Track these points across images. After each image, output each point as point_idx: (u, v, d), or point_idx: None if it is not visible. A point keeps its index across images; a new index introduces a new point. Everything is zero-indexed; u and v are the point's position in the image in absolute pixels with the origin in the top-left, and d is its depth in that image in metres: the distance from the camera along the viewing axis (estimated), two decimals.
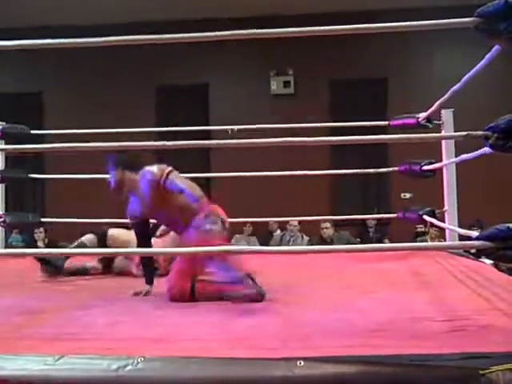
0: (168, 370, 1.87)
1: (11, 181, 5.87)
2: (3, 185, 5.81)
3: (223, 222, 3.53)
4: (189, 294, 3.26)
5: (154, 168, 3.57)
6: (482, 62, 3.11)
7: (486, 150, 2.69)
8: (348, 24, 2.75)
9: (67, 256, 4.39)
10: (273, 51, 9.13)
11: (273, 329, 2.46)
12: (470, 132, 2.58)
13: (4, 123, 5.67)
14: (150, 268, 3.61)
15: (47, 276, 4.24)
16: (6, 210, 5.86)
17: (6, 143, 5.69)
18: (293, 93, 10.17)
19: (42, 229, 9.13)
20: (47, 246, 9.01)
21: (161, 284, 3.59)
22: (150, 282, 3.53)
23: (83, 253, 4.11)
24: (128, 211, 3.68)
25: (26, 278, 4.22)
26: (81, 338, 2.35)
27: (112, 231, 4.54)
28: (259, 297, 3.18)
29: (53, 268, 4.23)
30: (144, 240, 3.64)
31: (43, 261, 4.23)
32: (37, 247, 8.80)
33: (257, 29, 2.84)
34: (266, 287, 3.56)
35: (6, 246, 6.63)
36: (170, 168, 3.59)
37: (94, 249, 4.25)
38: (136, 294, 3.45)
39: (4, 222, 5.69)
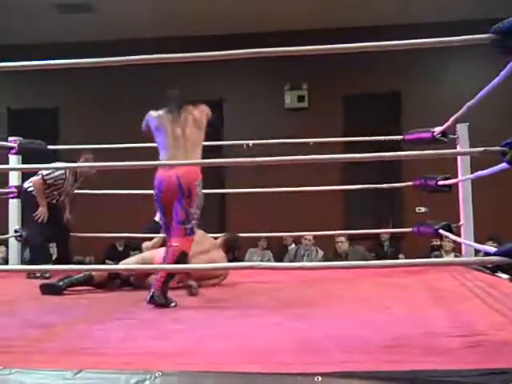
0: None
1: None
2: (19, 200, 5.86)
3: None
4: None
5: None
6: (498, 78, 3.11)
7: (503, 165, 2.69)
8: (362, 40, 2.77)
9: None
10: (287, 65, 9.15)
11: (289, 343, 2.45)
12: (486, 148, 2.59)
13: (21, 138, 5.73)
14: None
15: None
16: (23, 224, 5.91)
17: (23, 158, 5.76)
18: (307, 107, 10.20)
19: (55, 244, 9.16)
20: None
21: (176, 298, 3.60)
22: None
23: (87, 269, 4.17)
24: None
25: (40, 293, 4.24)
26: (97, 353, 2.36)
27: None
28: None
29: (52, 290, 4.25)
30: None
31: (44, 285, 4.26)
32: (52, 262, 8.83)
33: (272, 45, 2.87)
34: (280, 302, 3.57)
35: (22, 260, 6.67)
36: None
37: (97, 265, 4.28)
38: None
39: (20, 236, 5.74)
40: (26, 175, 5.86)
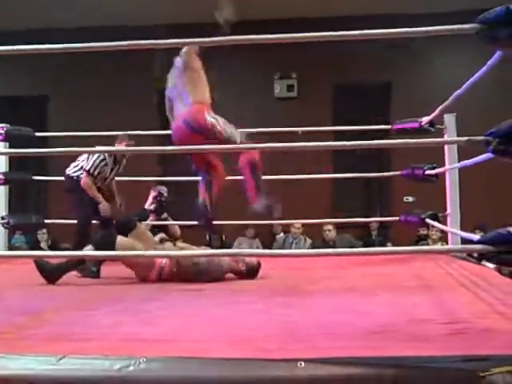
0: (170, 370, 1.88)
1: (15, 183, 5.91)
2: (7, 186, 5.84)
3: None
4: None
5: None
6: (484, 68, 3.13)
7: (488, 155, 2.70)
8: (351, 28, 2.77)
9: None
10: (276, 54, 9.13)
11: (273, 330, 2.47)
12: (471, 137, 2.60)
13: (8, 125, 5.71)
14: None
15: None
16: (9, 211, 5.89)
17: (11, 145, 5.73)
18: (296, 96, 10.19)
19: (45, 230, 9.15)
20: (50, 247, 9.04)
21: (163, 288, 3.61)
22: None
23: (87, 256, 4.13)
24: None
25: (30, 279, 4.23)
26: (83, 338, 2.36)
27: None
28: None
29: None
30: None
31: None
32: (40, 248, 8.82)
33: (261, 33, 2.86)
34: (269, 289, 3.59)
35: (9, 248, 6.66)
36: None
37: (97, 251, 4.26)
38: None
39: (7, 223, 5.73)
40: (17, 162, 5.84)
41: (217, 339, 2.30)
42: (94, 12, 9.54)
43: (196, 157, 3.94)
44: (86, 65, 9.30)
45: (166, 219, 5.93)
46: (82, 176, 5.19)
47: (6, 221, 5.71)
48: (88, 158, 5.19)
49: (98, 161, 5.16)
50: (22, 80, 10.54)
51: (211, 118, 3.76)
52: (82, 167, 5.22)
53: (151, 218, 5.85)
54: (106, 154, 5.21)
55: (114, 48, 2.90)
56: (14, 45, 2.96)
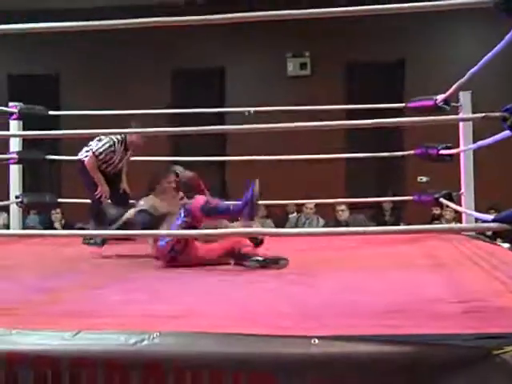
0: (184, 345, 1.89)
1: (28, 162, 5.92)
2: (20, 166, 5.85)
3: None
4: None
5: None
6: (502, 44, 3.07)
7: (505, 134, 2.67)
8: (364, 4, 2.74)
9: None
10: (289, 33, 9.07)
11: (286, 308, 2.47)
12: (487, 114, 2.57)
13: (21, 104, 5.71)
14: None
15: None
16: (24, 190, 5.92)
17: (24, 124, 5.74)
18: (309, 74, 10.12)
19: (58, 210, 9.19)
20: (64, 227, 9.09)
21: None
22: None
23: (110, 234, 4.16)
24: None
25: (43, 259, 4.27)
26: (97, 315, 2.38)
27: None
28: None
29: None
30: None
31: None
32: (54, 228, 8.88)
33: (272, 9, 2.84)
34: (280, 269, 3.60)
35: (24, 227, 6.70)
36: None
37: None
38: None
39: (22, 202, 5.75)
40: (31, 142, 5.82)
41: (230, 316, 2.31)
42: None
43: None
44: (98, 45, 9.30)
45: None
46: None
47: (20, 200, 5.73)
48: (98, 141, 5.18)
49: (106, 145, 5.15)
50: (34, 58, 10.54)
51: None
52: (91, 149, 5.21)
53: None
54: (116, 142, 5.19)
55: (124, 26, 2.90)
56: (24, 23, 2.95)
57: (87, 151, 5.24)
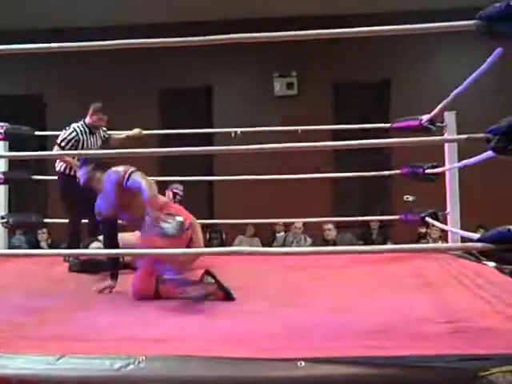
0: (170, 369, 1.88)
1: (14, 182, 5.89)
2: (6, 186, 5.82)
3: (182, 222, 3.50)
4: (153, 293, 3.37)
5: (119, 169, 3.67)
6: (485, 65, 3.11)
7: (490, 154, 2.69)
8: (350, 26, 2.76)
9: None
10: (276, 52, 9.13)
11: (273, 330, 2.46)
12: (470, 135, 2.59)
13: (7, 124, 5.69)
14: (115, 264, 3.72)
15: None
16: (9, 210, 5.88)
17: (10, 144, 5.72)
18: (296, 94, 10.16)
19: (45, 230, 9.13)
20: (50, 247, 9.03)
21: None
22: (114, 278, 3.63)
23: (90, 254, 4.15)
24: (95, 208, 3.74)
25: (29, 279, 4.23)
26: (82, 338, 2.36)
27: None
28: (224, 295, 3.28)
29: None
30: (109, 237, 3.74)
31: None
32: (40, 248, 8.82)
33: (261, 31, 2.85)
34: (268, 289, 3.59)
35: (10, 247, 6.64)
36: (132, 168, 3.66)
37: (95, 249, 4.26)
38: (100, 291, 3.55)
39: (7, 222, 5.71)
40: (17, 162, 5.80)
41: (216, 338, 2.30)
42: (94, 13, 9.52)
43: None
44: (85, 63, 9.29)
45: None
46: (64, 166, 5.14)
47: (5, 220, 5.69)
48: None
49: (67, 133, 5.10)
50: (18, 79, 10.52)
51: None
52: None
53: None
54: (76, 128, 5.14)
55: (109, 47, 2.90)
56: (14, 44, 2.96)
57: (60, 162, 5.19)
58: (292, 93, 10.16)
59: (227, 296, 3.27)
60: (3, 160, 5.75)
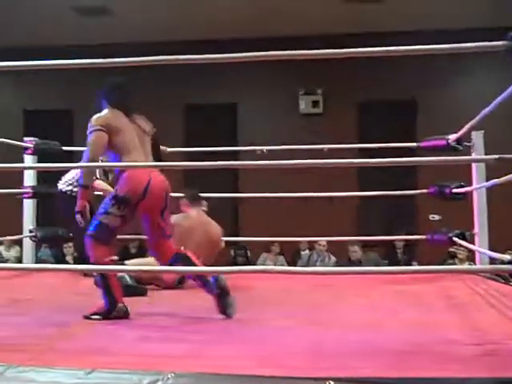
0: None
1: (43, 196, 5.95)
2: (35, 200, 5.90)
3: None
4: None
5: None
6: None
7: None
8: (377, 45, 2.77)
9: None
10: (302, 70, 9.16)
11: (301, 348, 2.45)
12: (501, 156, 2.57)
13: (37, 139, 5.78)
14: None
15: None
16: (37, 224, 5.95)
17: (39, 158, 5.80)
18: (321, 112, 10.17)
19: (70, 243, 9.19)
20: (75, 261, 9.08)
21: (187, 301, 3.61)
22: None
23: (118, 270, 4.15)
24: None
25: (57, 292, 4.27)
26: (110, 352, 2.37)
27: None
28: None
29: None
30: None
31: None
32: (66, 261, 8.89)
33: (286, 49, 2.88)
34: (293, 307, 3.58)
35: (36, 261, 6.71)
36: None
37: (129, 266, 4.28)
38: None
39: (35, 236, 5.78)
40: (45, 176, 5.87)
41: (244, 356, 2.29)
42: (123, 29, 9.65)
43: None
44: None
45: None
46: (75, 190, 5.22)
47: (33, 234, 5.77)
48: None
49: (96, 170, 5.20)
50: (49, 94, 10.68)
51: None
52: (76, 181, 5.22)
53: None
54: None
55: (137, 64, 2.94)
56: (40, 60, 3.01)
57: (70, 184, 5.27)
58: (317, 111, 10.16)
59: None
60: (32, 174, 5.83)
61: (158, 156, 3.78)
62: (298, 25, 9.38)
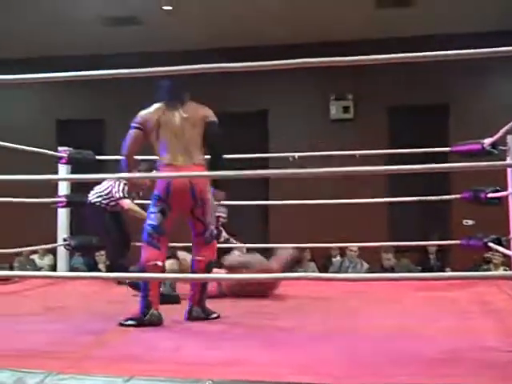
0: None
1: (76, 205, 6.02)
2: (69, 209, 5.97)
3: None
4: None
5: None
6: None
7: None
8: (407, 50, 2.76)
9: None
10: (332, 76, 9.12)
11: (337, 355, 2.44)
12: None
13: (71, 149, 5.86)
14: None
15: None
16: (71, 233, 6.02)
17: (73, 168, 5.88)
18: (352, 118, 10.12)
19: (103, 252, 9.27)
20: (108, 269, 9.16)
21: (222, 308, 3.62)
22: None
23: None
24: None
25: (91, 300, 4.31)
26: (147, 360, 2.39)
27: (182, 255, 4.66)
28: None
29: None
30: None
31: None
32: (98, 269, 8.97)
33: (317, 55, 2.88)
34: (328, 313, 3.56)
35: (70, 269, 6.79)
36: None
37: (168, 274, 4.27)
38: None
39: (69, 245, 5.85)
40: (78, 185, 5.97)
41: (281, 363, 2.29)
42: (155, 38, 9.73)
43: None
44: (143, 89, 9.48)
45: (227, 240, 5.86)
46: (104, 202, 5.33)
47: (67, 242, 5.84)
48: (114, 184, 5.30)
49: (122, 185, 5.29)
50: (81, 104, 10.81)
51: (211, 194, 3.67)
52: (105, 194, 5.32)
53: None
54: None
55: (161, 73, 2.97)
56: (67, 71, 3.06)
57: (99, 196, 5.33)
58: (348, 116, 10.12)
59: None
60: (65, 183, 5.91)
61: (210, 143, 3.74)
62: (330, 30, 9.36)
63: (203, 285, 3.55)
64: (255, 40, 9.57)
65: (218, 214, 6.03)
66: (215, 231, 3.78)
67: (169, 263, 4.54)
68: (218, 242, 5.68)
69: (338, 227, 8.89)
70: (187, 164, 3.50)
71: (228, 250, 5.50)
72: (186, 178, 3.52)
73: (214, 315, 3.51)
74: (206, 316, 3.48)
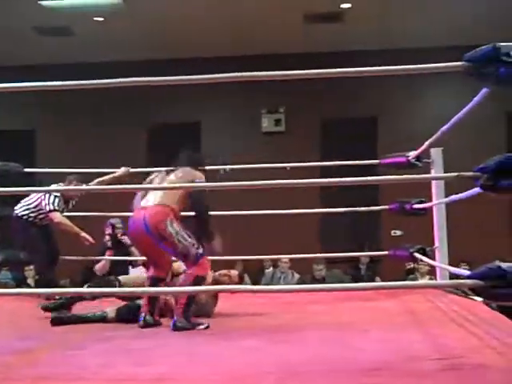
0: None
1: (2, 219, 5.85)
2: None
3: None
4: None
5: None
6: (471, 104, 3.17)
7: (477, 190, 2.73)
8: (338, 64, 2.82)
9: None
10: (264, 89, 9.21)
11: (270, 368, 2.45)
12: (460, 173, 2.63)
13: None
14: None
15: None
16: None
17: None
18: (284, 131, 10.23)
19: (31, 266, 9.02)
20: (37, 284, 8.92)
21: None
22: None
23: (90, 293, 4.10)
24: None
25: (17, 317, 4.18)
26: (73, 379, 2.33)
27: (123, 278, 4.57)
28: None
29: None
30: None
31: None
32: (27, 284, 8.72)
33: (249, 68, 2.90)
34: (260, 325, 3.57)
35: None
36: None
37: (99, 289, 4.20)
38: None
39: None
40: (4, 198, 5.80)
41: (212, 378, 2.28)
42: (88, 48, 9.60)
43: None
44: (75, 100, 9.33)
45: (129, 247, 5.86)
46: (32, 215, 5.23)
47: None
48: (44, 197, 5.19)
49: (57, 199, 5.21)
50: (9, 114, 10.53)
51: (173, 226, 3.67)
52: (34, 207, 5.21)
53: (108, 253, 5.97)
54: (59, 194, 5.25)
55: (98, 86, 2.93)
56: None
57: (27, 209, 5.23)
58: (280, 129, 10.23)
59: None
60: None
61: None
62: (260, 44, 9.46)
63: (189, 297, 3.63)
64: (188, 52, 9.58)
65: (112, 222, 6.01)
66: (199, 251, 3.78)
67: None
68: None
69: (270, 238, 8.94)
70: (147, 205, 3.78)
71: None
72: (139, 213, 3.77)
73: (202, 326, 3.60)
74: (193, 327, 3.58)
